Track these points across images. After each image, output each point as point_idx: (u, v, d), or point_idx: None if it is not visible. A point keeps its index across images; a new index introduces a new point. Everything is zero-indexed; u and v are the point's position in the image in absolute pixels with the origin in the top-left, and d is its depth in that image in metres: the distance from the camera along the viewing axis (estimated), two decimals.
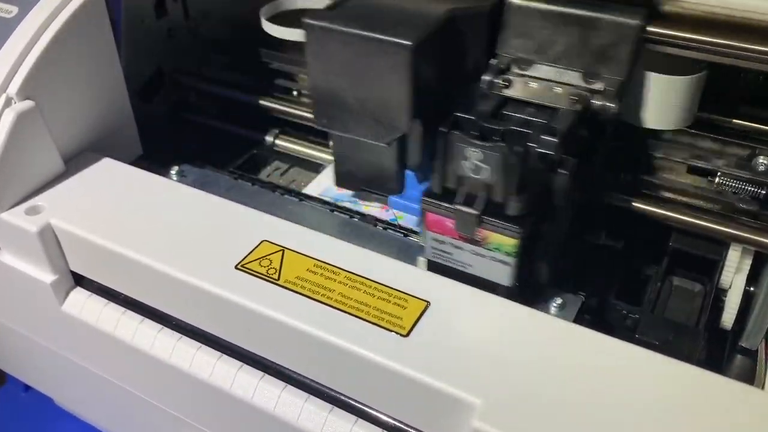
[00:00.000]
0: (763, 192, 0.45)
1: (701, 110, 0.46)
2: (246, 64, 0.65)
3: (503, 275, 0.41)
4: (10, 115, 0.46)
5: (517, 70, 0.44)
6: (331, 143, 0.49)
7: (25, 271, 0.48)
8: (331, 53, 0.42)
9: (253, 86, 0.63)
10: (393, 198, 0.47)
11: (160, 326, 0.45)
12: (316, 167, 0.62)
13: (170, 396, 0.48)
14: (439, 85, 0.44)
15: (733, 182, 0.46)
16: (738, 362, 0.43)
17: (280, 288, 0.40)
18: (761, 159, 0.45)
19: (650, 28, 0.41)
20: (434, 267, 0.44)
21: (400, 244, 0.49)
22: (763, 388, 0.36)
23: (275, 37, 0.66)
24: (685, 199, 0.47)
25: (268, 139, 0.62)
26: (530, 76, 0.44)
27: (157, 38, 0.62)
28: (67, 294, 0.49)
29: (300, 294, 0.39)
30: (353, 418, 0.39)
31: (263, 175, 0.64)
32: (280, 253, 0.42)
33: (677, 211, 0.45)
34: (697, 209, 0.46)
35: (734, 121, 0.48)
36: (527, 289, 0.42)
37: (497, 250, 0.40)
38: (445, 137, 0.39)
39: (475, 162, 0.38)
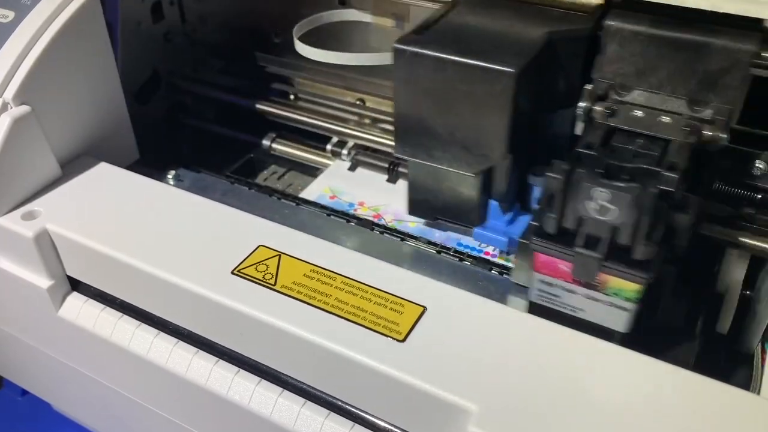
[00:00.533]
0: (759, 196, 0.45)
1: None
2: (243, 68, 0.65)
3: (620, 321, 0.38)
4: (6, 120, 0.46)
5: (615, 97, 0.41)
6: (408, 172, 0.46)
7: (21, 276, 0.48)
8: (422, 79, 0.40)
9: (249, 90, 0.63)
10: (478, 230, 0.45)
11: (156, 331, 0.45)
12: (313, 171, 0.62)
13: (167, 401, 0.48)
14: (532, 112, 0.41)
15: (729, 186, 0.46)
16: (734, 367, 0.43)
17: (277, 293, 0.40)
18: (757, 163, 0.45)
19: (764, 54, 0.38)
20: (537, 309, 0.40)
21: (395, 247, 0.49)
22: (758, 392, 0.36)
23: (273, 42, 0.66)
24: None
25: (265, 143, 0.62)
26: (632, 104, 0.40)
27: (154, 42, 0.62)
28: (63, 299, 0.49)
29: (296, 299, 0.39)
30: (350, 423, 0.39)
31: (260, 179, 0.64)
32: (277, 258, 0.42)
33: None
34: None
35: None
36: (641, 335, 0.39)
37: (616, 296, 0.37)
38: (567, 175, 0.35)
39: (601, 203, 0.35)
